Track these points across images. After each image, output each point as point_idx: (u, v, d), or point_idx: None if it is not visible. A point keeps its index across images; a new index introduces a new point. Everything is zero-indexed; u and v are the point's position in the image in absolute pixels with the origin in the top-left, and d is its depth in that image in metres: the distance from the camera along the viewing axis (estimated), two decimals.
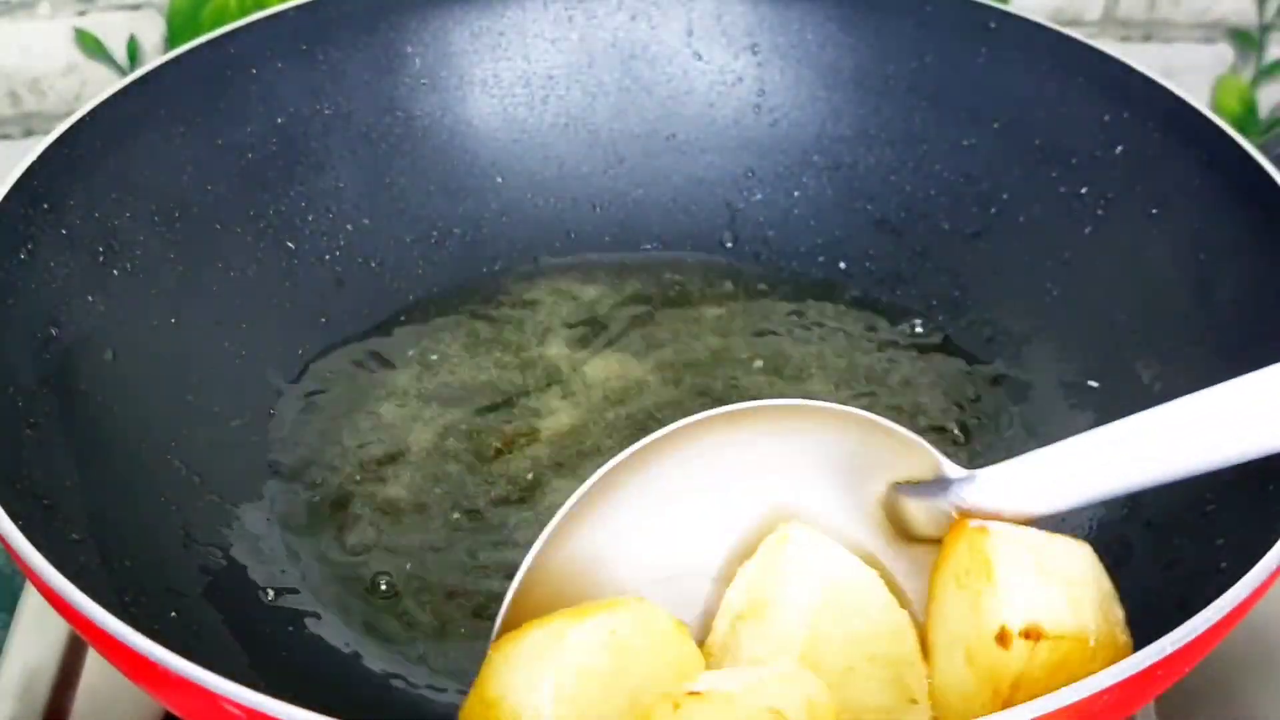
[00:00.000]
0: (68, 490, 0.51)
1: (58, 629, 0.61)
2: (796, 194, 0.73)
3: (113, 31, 0.84)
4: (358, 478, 0.61)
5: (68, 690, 0.59)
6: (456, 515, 0.60)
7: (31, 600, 0.63)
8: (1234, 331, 0.57)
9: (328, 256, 0.69)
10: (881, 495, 0.51)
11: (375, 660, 0.54)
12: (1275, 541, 0.45)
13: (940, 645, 0.47)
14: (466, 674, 0.53)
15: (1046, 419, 0.63)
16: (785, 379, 0.66)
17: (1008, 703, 0.42)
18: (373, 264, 0.70)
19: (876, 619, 0.48)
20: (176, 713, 0.45)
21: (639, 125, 0.74)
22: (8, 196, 0.55)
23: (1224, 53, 0.91)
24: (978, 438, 0.63)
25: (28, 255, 0.56)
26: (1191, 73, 0.91)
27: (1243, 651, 0.59)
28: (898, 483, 0.50)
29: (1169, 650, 0.41)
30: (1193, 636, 0.42)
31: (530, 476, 0.61)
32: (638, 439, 0.48)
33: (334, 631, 0.55)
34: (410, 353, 0.68)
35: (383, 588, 0.57)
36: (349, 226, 0.69)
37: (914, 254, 0.70)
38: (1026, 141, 0.67)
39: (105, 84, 0.67)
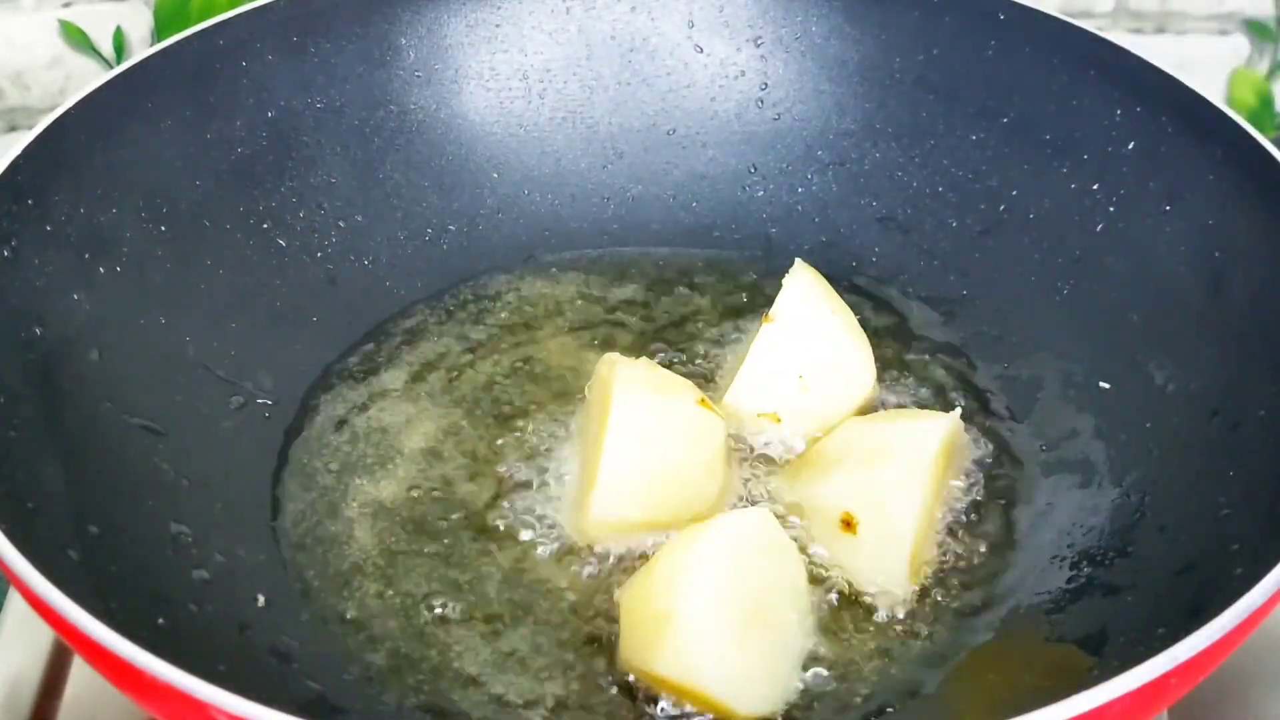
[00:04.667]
0: (52, 494, 0.50)
1: (42, 636, 0.60)
2: (800, 190, 0.72)
3: (98, 23, 0.84)
4: (351, 479, 0.60)
5: (52, 698, 0.58)
6: (452, 515, 0.59)
7: (15, 606, 0.62)
8: (1250, 331, 0.56)
9: (319, 254, 0.68)
10: None
11: (368, 667, 0.53)
12: None
13: None
14: (466, 683, 0.53)
15: (1056, 420, 0.62)
16: None
17: None
18: (365, 261, 0.69)
19: None
20: None
21: (638, 120, 0.73)
22: None
23: (1239, 45, 0.91)
24: (987, 438, 0.62)
25: (11, 253, 0.55)
26: (1206, 65, 0.91)
27: (1258, 658, 0.58)
28: None
29: (1183, 658, 0.41)
30: (1207, 644, 0.42)
31: (525, 475, 0.60)
32: None
33: (327, 637, 0.54)
34: (404, 352, 0.67)
35: (376, 591, 0.56)
36: (341, 223, 0.69)
37: (921, 251, 0.70)
38: (1036, 136, 0.67)
39: (91, 77, 0.67)
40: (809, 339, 0.61)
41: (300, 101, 0.68)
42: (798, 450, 0.61)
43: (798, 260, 0.65)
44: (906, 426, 0.59)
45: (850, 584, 0.55)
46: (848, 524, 0.55)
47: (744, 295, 0.70)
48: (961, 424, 0.60)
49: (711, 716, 0.51)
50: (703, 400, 0.57)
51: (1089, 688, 0.40)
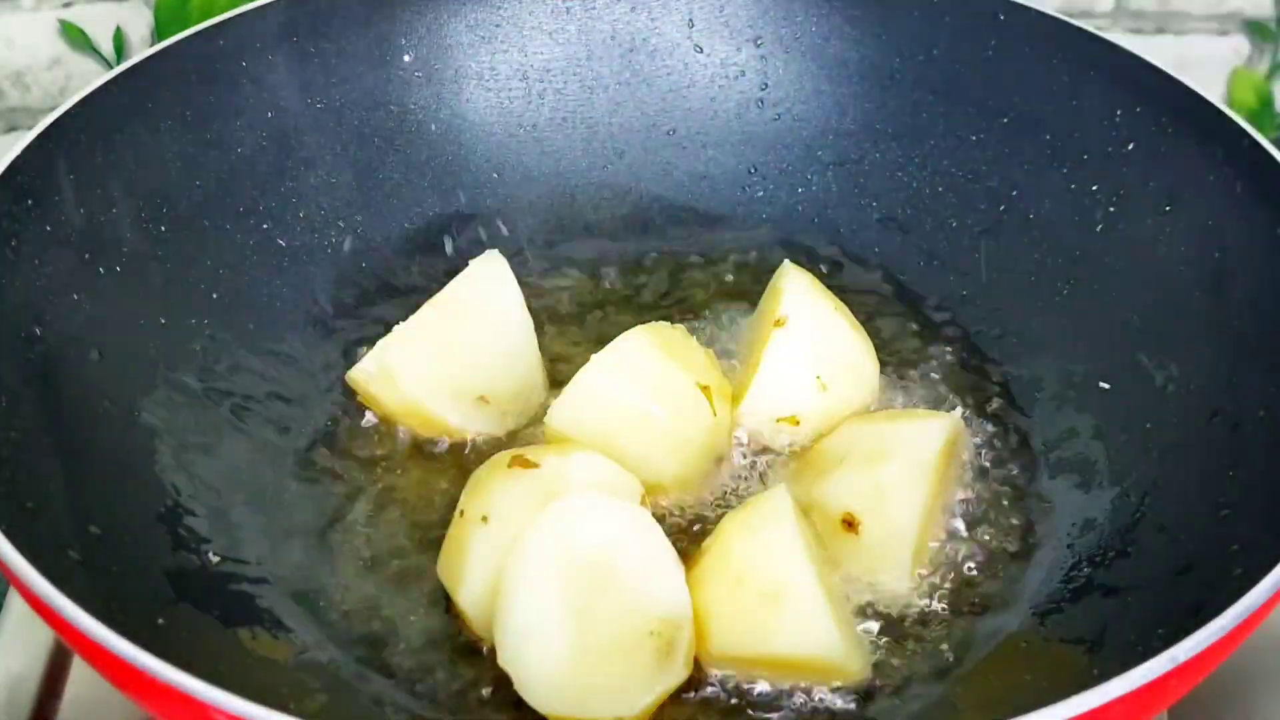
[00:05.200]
0: (52, 494, 0.50)
1: (42, 636, 0.60)
2: (800, 190, 0.72)
3: (99, 23, 0.84)
4: (352, 475, 0.60)
5: (52, 699, 0.58)
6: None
7: (15, 607, 0.62)
8: (1250, 331, 0.56)
9: (320, 254, 0.68)
10: None
11: (369, 666, 0.53)
12: None
13: None
14: (457, 685, 0.53)
15: (1056, 420, 0.62)
16: None
17: None
18: (366, 261, 0.69)
19: None
20: None
21: (638, 119, 0.73)
22: None
23: (1239, 45, 0.91)
24: (987, 438, 0.62)
25: (11, 253, 0.55)
26: (1205, 66, 0.91)
27: (1258, 658, 0.58)
28: None
29: (1182, 659, 0.41)
30: (1206, 645, 0.42)
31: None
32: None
33: (329, 636, 0.54)
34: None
35: (379, 589, 0.56)
36: (341, 223, 0.69)
37: (921, 251, 0.70)
38: (1036, 136, 0.67)
39: (91, 77, 0.66)
40: (820, 339, 0.61)
41: (300, 102, 0.68)
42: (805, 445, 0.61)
43: (786, 261, 0.65)
44: (908, 427, 0.59)
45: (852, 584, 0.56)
46: (850, 524, 0.55)
47: (744, 296, 0.70)
48: (962, 424, 0.60)
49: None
50: (706, 389, 0.57)
51: (1089, 688, 0.40)
